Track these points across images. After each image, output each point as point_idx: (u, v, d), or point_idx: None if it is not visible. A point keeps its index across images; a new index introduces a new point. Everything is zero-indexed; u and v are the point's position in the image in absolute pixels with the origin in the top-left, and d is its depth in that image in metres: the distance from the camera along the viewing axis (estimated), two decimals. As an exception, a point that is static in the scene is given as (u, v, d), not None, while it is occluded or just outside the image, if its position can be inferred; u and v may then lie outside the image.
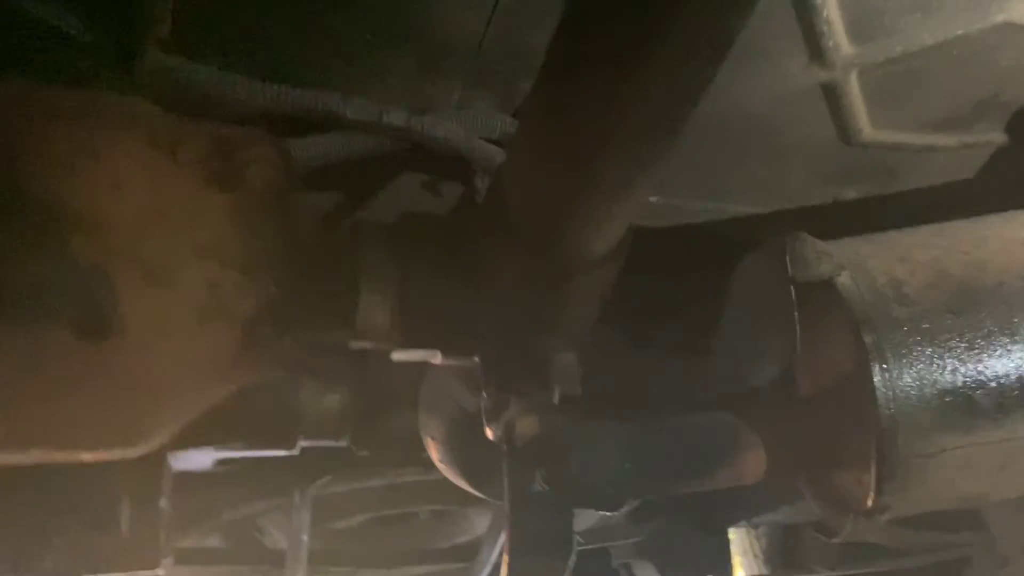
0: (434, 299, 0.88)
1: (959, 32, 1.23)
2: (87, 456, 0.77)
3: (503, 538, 1.94)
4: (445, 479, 1.27)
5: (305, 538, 1.65)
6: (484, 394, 0.88)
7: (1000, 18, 1.21)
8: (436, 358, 0.90)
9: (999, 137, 1.54)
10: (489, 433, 0.88)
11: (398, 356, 0.90)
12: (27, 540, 1.08)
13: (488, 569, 1.98)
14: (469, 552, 2.00)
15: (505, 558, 0.88)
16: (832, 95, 1.34)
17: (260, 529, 1.84)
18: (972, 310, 1.03)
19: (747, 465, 1.12)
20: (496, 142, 1.26)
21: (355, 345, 0.89)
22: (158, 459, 0.94)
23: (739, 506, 2.01)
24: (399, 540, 1.98)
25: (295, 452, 1.32)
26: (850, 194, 1.64)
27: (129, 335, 0.73)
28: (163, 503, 1.23)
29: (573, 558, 0.87)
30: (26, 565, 1.11)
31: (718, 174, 1.52)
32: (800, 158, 1.51)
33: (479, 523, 1.99)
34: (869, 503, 1.05)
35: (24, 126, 0.72)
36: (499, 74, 1.25)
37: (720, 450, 1.14)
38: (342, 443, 1.35)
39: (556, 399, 0.85)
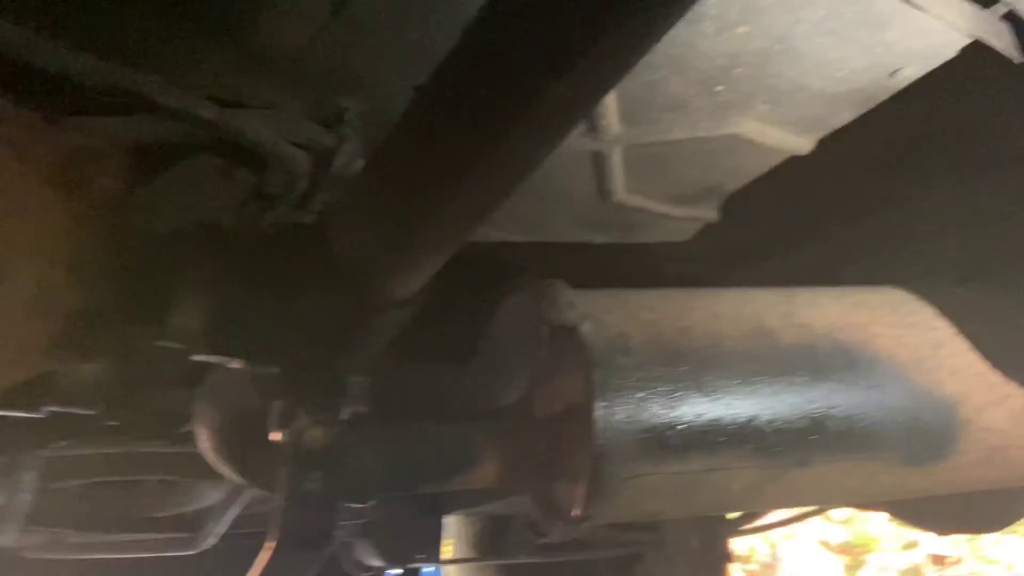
0: (247, 312, 0.94)
1: (701, 134, 1.50)
2: None
3: (232, 512, 1.99)
4: (180, 452, 1.32)
5: (27, 496, 1.59)
6: (277, 402, 0.96)
7: (732, 129, 1.50)
8: (237, 364, 0.97)
9: (713, 215, 1.87)
10: (275, 435, 0.96)
11: (199, 358, 0.96)
12: None
13: (213, 540, 2.01)
14: (193, 522, 2.01)
15: (267, 546, 0.97)
16: (599, 160, 1.56)
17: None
18: (675, 366, 1.29)
19: (483, 472, 1.30)
20: (301, 147, 1.33)
21: (162, 344, 0.93)
22: None
23: (460, 498, 2.21)
24: (124, 505, 1.95)
25: (40, 415, 1.29)
26: (597, 239, 1.90)
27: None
28: None
29: (329, 549, 0.99)
30: None
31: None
32: (563, 203, 1.73)
33: (207, 496, 2.01)
34: (578, 512, 1.26)
35: None
36: (316, 85, 1.32)
37: (461, 458, 1.30)
38: (91, 412, 1.34)
39: (346, 416, 0.96)
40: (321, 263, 0.89)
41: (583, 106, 0.71)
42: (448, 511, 2.49)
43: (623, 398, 1.24)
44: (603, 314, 1.30)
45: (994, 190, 1.79)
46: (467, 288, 1.56)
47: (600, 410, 1.23)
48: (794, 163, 1.65)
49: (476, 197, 0.73)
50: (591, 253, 1.93)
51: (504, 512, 2.41)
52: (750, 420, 1.30)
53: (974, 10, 1.27)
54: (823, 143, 1.61)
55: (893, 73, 1.39)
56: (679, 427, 1.27)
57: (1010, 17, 1.29)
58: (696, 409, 1.28)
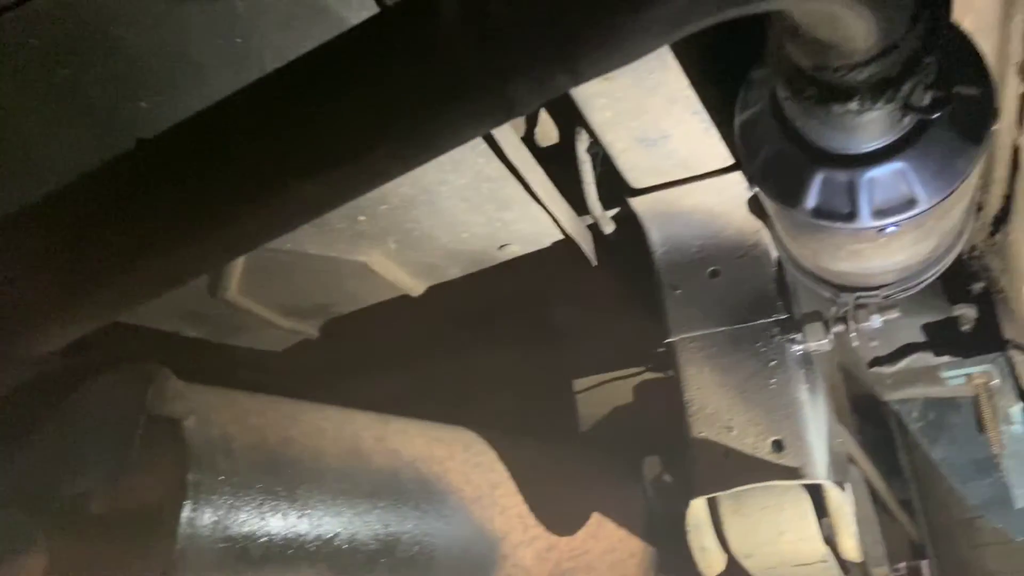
0: None
1: (333, 254, 1.56)
2: None
3: None
4: None
5: None
6: None
7: (361, 257, 1.59)
8: None
9: (314, 332, 1.92)
10: None
11: None
12: None
13: None
14: None
15: None
16: (223, 254, 1.53)
17: None
18: (273, 475, 1.27)
19: (28, 570, 1.12)
20: None
21: None
22: None
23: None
24: None
25: None
26: (189, 332, 1.80)
27: None
28: None
29: None
30: None
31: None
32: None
33: None
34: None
35: None
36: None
37: (2, 551, 1.11)
38: None
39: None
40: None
41: (326, 205, 0.72)
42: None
43: (214, 502, 1.18)
44: (209, 411, 1.25)
45: (542, 359, 2.14)
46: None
47: (188, 511, 1.15)
48: (400, 300, 1.79)
49: (180, 268, 0.69)
50: (181, 346, 1.82)
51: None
52: (331, 538, 1.32)
53: (572, 214, 1.57)
54: (429, 290, 1.78)
55: (502, 247, 1.63)
56: (263, 539, 1.24)
57: (593, 228, 1.61)
58: (284, 522, 1.26)
